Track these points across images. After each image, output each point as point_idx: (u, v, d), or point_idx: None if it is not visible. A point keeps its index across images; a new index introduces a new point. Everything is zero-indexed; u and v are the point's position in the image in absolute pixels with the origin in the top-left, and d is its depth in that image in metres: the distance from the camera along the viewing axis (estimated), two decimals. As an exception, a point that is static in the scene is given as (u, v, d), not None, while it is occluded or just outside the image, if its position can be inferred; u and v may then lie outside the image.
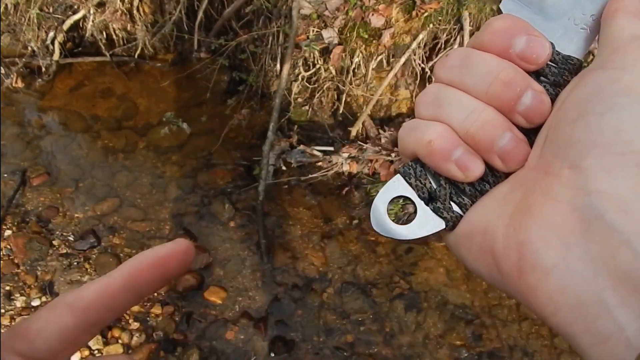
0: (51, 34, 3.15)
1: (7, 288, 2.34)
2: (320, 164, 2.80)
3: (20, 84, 3.15)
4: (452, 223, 0.35)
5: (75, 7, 3.12)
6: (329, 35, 2.72)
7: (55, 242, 2.51)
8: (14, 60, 3.15)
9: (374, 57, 2.75)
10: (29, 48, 3.16)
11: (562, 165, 0.30)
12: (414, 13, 2.63)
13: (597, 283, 0.27)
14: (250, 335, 2.28)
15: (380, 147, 2.78)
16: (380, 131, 2.89)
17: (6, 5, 3.14)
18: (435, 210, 0.36)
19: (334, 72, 2.82)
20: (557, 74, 0.35)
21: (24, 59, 3.14)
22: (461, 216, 0.35)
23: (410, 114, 2.98)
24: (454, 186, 0.36)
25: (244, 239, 2.60)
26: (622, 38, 0.32)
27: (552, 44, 0.35)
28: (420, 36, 2.64)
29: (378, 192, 0.37)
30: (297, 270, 2.50)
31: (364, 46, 2.74)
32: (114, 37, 3.22)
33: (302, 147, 2.82)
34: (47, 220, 2.59)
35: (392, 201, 0.37)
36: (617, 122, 0.28)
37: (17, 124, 3.01)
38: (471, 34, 2.56)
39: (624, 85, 0.30)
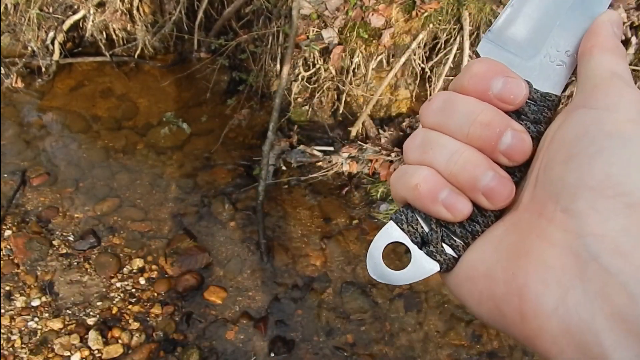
0: (51, 34, 3.15)
1: (7, 288, 2.34)
2: (320, 164, 2.80)
3: (20, 84, 3.15)
4: (447, 265, 0.36)
5: (75, 7, 3.12)
6: (329, 35, 2.72)
7: (55, 242, 2.51)
8: (14, 60, 3.15)
9: (374, 57, 2.75)
10: (29, 48, 3.16)
11: (555, 208, 0.31)
12: (413, 13, 2.63)
13: (595, 325, 0.27)
14: (250, 335, 2.28)
15: (380, 147, 2.78)
16: (380, 131, 2.89)
17: (6, 5, 3.14)
18: (429, 254, 0.37)
19: (334, 72, 2.82)
20: (537, 111, 0.36)
21: (24, 59, 3.15)
22: (455, 258, 0.36)
23: (410, 113, 2.98)
24: (445, 229, 0.36)
25: (244, 239, 2.60)
26: (601, 75, 0.33)
27: (529, 83, 0.36)
28: (420, 36, 2.64)
29: (373, 238, 0.38)
30: (297, 270, 2.50)
31: (363, 46, 2.74)
32: (114, 37, 3.23)
33: (302, 147, 2.82)
34: (47, 220, 2.59)
35: (386, 247, 0.38)
36: (606, 165, 0.29)
37: (17, 124, 3.01)
38: (471, 34, 2.56)
39: (609, 127, 0.31)
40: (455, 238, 0.36)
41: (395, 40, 2.72)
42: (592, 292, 0.28)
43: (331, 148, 2.85)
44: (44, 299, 2.32)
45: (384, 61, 2.78)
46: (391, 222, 0.38)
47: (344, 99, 2.93)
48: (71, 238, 2.55)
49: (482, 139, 0.35)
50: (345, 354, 2.25)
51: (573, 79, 0.37)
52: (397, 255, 1.97)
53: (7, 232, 2.51)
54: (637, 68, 2.29)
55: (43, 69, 3.16)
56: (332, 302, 2.40)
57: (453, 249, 0.36)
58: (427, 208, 0.36)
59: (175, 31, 3.16)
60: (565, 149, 0.32)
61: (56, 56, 3.18)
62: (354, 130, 2.87)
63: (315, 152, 2.81)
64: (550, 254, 0.30)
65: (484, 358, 2.29)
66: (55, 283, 2.38)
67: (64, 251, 2.49)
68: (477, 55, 0.38)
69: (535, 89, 0.36)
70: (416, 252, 0.37)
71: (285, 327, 2.32)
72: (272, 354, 2.23)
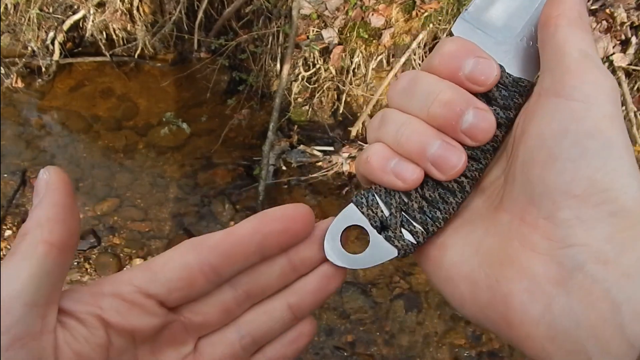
0: (51, 34, 3.15)
1: (7, 288, 2.34)
2: (320, 164, 2.80)
3: (20, 84, 3.15)
4: (404, 251, 0.36)
5: (75, 7, 3.12)
6: (329, 35, 2.72)
7: (55, 242, 2.51)
8: (14, 60, 3.15)
9: (374, 57, 2.75)
10: (29, 48, 3.16)
11: (537, 214, 0.30)
12: (414, 13, 2.63)
13: (579, 333, 0.27)
14: (251, 335, 2.28)
15: (380, 147, 2.78)
16: (380, 131, 2.89)
17: (6, 5, 3.14)
18: (387, 239, 0.36)
19: (334, 72, 2.82)
20: (507, 97, 0.35)
21: (24, 59, 3.15)
22: (413, 244, 0.36)
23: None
24: (405, 213, 0.36)
25: (244, 239, 2.60)
26: (571, 54, 0.32)
27: (501, 66, 0.35)
28: (421, 36, 2.64)
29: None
30: (297, 270, 2.50)
31: (364, 46, 2.74)
32: (114, 37, 3.23)
33: (302, 147, 2.82)
34: (47, 220, 2.59)
35: (345, 230, 0.37)
36: (590, 170, 0.29)
37: (17, 124, 3.01)
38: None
39: (590, 125, 0.30)
40: (415, 224, 0.36)
41: (395, 40, 2.72)
42: (577, 300, 0.28)
43: (331, 148, 2.85)
44: (44, 299, 2.32)
45: (384, 61, 2.78)
46: (351, 204, 0.37)
47: (344, 99, 2.93)
48: (71, 238, 2.54)
49: (443, 118, 0.34)
50: (345, 354, 2.25)
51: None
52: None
53: (7, 232, 2.51)
54: (637, 68, 2.29)
55: (43, 69, 3.16)
56: (332, 302, 2.40)
57: (412, 235, 0.36)
58: (379, 178, 0.36)
59: (176, 31, 3.16)
60: (545, 149, 0.31)
61: (56, 56, 3.18)
62: (354, 130, 2.87)
63: (316, 152, 2.81)
64: (534, 263, 0.30)
65: (484, 358, 2.29)
66: (55, 283, 2.38)
67: (64, 251, 2.49)
68: (451, 35, 0.37)
69: (507, 73, 0.35)
70: (375, 236, 0.37)
71: (285, 327, 2.32)
72: (272, 354, 2.23)
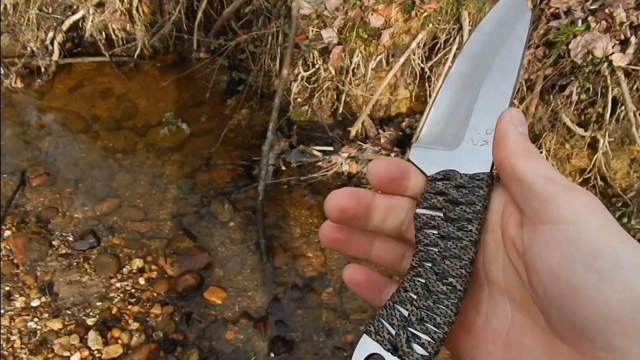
0: (50, 34, 3.15)
1: (7, 288, 2.34)
2: (319, 163, 2.80)
3: (19, 84, 3.15)
4: None
5: (75, 7, 3.12)
6: (329, 35, 2.72)
7: (54, 243, 2.51)
8: (13, 60, 3.15)
9: (374, 57, 2.75)
10: (29, 48, 3.16)
11: (593, 347, 0.30)
12: (413, 13, 2.63)
13: None
14: (250, 335, 2.28)
15: (379, 147, 2.78)
16: (380, 131, 2.89)
17: (5, 5, 3.14)
18: (400, 358, 0.37)
19: (333, 72, 2.82)
20: (469, 193, 0.38)
21: (23, 59, 3.14)
22: (425, 357, 0.36)
23: (410, 113, 2.98)
24: (409, 329, 0.37)
25: (243, 239, 2.60)
26: (537, 183, 0.33)
27: (454, 171, 0.39)
28: (420, 36, 2.64)
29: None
30: (297, 270, 2.50)
31: (363, 46, 2.74)
32: (114, 37, 3.23)
33: (301, 147, 2.82)
34: (47, 221, 2.59)
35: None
36: (615, 293, 0.29)
37: (17, 124, 3.01)
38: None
39: (590, 245, 0.30)
40: (420, 335, 0.37)
41: (394, 40, 2.72)
42: None
43: (331, 148, 2.85)
44: (43, 299, 2.32)
45: (384, 61, 2.78)
46: (364, 335, 0.39)
47: (343, 99, 2.93)
48: (71, 238, 2.54)
49: None
50: (345, 354, 2.25)
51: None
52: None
53: (7, 233, 2.51)
54: (636, 68, 2.29)
55: (42, 69, 3.16)
56: (332, 302, 2.40)
57: (422, 347, 0.36)
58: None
59: (175, 31, 3.16)
60: (563, 282, 0.31)
61: (55, 56, 3.18)
62: (353, 130, 2.87)
63: (315, 152, 2.81)
64: None
65: (484, 358, 2.29)
66: (54, 283, 2.38)
67: (64, 251, 2.49)
68: (408, 160, 0.41)
69: (462, 174, 0.39)
70: (390, 359, 0.37)
71: (285, 327, 2.32)
72: (272, 354, 2.23)
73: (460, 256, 0.37)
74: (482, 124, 0.39)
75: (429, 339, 0.36)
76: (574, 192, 0.32)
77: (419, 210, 0.39)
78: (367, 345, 0.39)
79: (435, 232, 0.38)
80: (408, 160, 0.41)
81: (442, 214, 0.39)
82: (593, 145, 2.55)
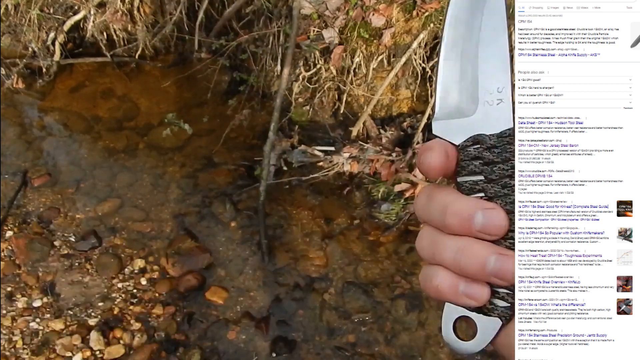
0: (52, 34, 3.15)
1: (9, 289, 2.34)
2: (321, 164, 2.80)
3: (21, 85, 3.15)
4: (505, 316, 0.40)
5: (76, 7, 3.12)
6: (330, 35, 2.72)
7: (56, 243, 2.51)
8: (14, 61, 3.15)
9: (375, 57, 2.75)
10: (30, 49, 3.16)
11: None
12: (414, 13, 2.63)
13: None
14: (252, 336, 2.28)
15: (381, 147, 2.78)
16: (381, 131, 2.89)
17: (7, 6, 3.14)
18: (487, 314, 0.40)
19: (334, 72, 2.82)
20: (502, 151, 0.39)
21: (24, 60, 3.15)
22: (508, 307, 0.40)
23: (411, 113, 2.98)
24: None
25: (245, 239, 2.60)
26: None
27: (482, 134, 0.40)
28: (421, 36, 2.64)
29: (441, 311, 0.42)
30: (299, 270, 2.50)
31: (364, 46, 2.74)
32: (115, 37, 3.22)
33: (303, 147, 2.82)
34: (48, 221, 2.60)
35: (455, 323, 0.42)
36: None
37: (18, 124, 3.01)
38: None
39: None
40: (498, 290, 0.40)
41: (396, 40, 2.72)
42: None
43: (332, 148, 2.85)
44: (45, 299, 2.32)
45: (385, 61, 2.77)
46: (447, 303, 0.42)
47: (344, 99, 2.93)
48: (72, 239, 2.55)
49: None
50: (347, 354, 2.25)
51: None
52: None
53: (9, 233, 2.51)
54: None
55: (44, 70, 3.16)
56: (334, 302, 2.40)
57: (504, 301, 0.40)
58: (453, 301, 0.40)
59: (176, 31, 3.16)
60: None
61: (57, 57, 3.18)
62: (355, 130, 2.87)
63: (317, 152, 2.81)
64: None
65: (485, 358, 2.28)
66: (56, 284, 2.38)
67: (65, 252, 2.49)
68: (434, 135, 0.42)
69: (490, 135, 0.40)
70: (476, 317, 0.41)
71: (286, 327, 2.31)
72: (274, 354, 2.23)
73: (513, 211, 0.39)
74: (492, 83, 0.40)
75: (507, 291, 0.39)
76: None
77: (460, 179, 0.41)
78: (451, 311, 0.41)
79: (482, 195, 0.40)
80: (430, 133, 0.41)
81: (483, 177, 0.40)
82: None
